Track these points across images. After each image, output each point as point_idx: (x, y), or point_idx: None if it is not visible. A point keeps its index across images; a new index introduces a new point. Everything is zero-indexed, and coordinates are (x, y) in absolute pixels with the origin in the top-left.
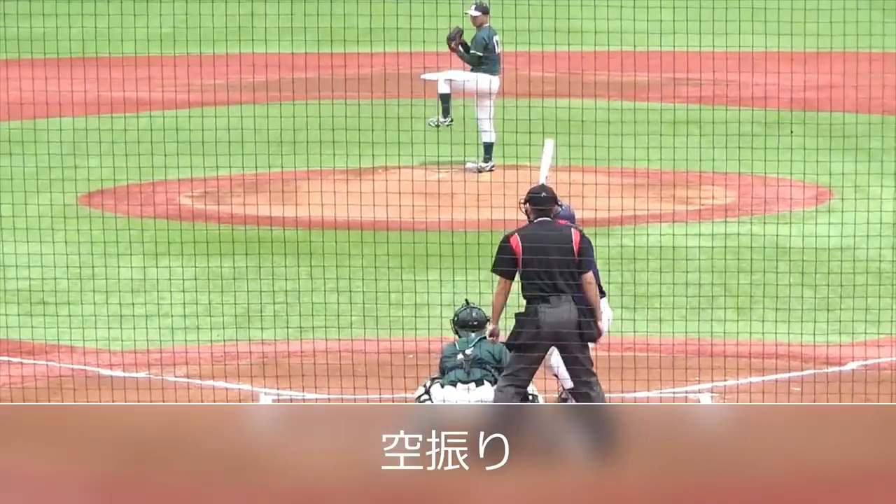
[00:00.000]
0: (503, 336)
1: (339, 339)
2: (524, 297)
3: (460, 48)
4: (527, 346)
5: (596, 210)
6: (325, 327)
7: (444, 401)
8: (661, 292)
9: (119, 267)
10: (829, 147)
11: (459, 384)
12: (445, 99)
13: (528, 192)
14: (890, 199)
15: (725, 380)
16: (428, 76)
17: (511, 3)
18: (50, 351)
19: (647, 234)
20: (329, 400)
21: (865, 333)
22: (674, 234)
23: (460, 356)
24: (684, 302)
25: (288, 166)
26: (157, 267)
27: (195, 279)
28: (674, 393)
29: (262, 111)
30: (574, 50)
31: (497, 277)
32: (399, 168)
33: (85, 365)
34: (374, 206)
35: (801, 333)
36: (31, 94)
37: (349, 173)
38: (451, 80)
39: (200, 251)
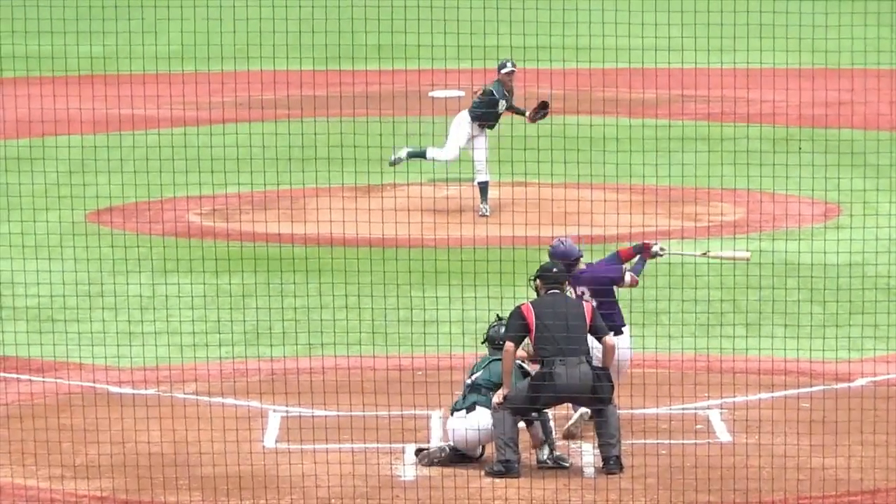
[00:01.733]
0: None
1: (348, 357)
2: (539, 359)
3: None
4: (542, 397)
5: (599, 226)
6: (335, 344)
7: (453, 430)
8: (670, 309)
9: (128, 284)
10: (837, 164)
11: (456, 412)
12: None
13: (539, 269)
14: None
15: (736, 396)
16: (435, 94)
17: (519, 21)
18: (59, 368)
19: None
20: (338, 417)
21: (874, 350)
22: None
23: (469, 380)
24: (693, 318)
25: (296, 183)
26: (165, 284)
27: (204, 296)
28: (683, 409)
29: (270, 129)
30: (582, 67)
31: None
32: (407, 185)
33: (95, 382)
34: (382, 222)
35: (811, 350)
36: (40, 112)
37: (357, 190)
38: (483, 161)
39: (209, 268)
